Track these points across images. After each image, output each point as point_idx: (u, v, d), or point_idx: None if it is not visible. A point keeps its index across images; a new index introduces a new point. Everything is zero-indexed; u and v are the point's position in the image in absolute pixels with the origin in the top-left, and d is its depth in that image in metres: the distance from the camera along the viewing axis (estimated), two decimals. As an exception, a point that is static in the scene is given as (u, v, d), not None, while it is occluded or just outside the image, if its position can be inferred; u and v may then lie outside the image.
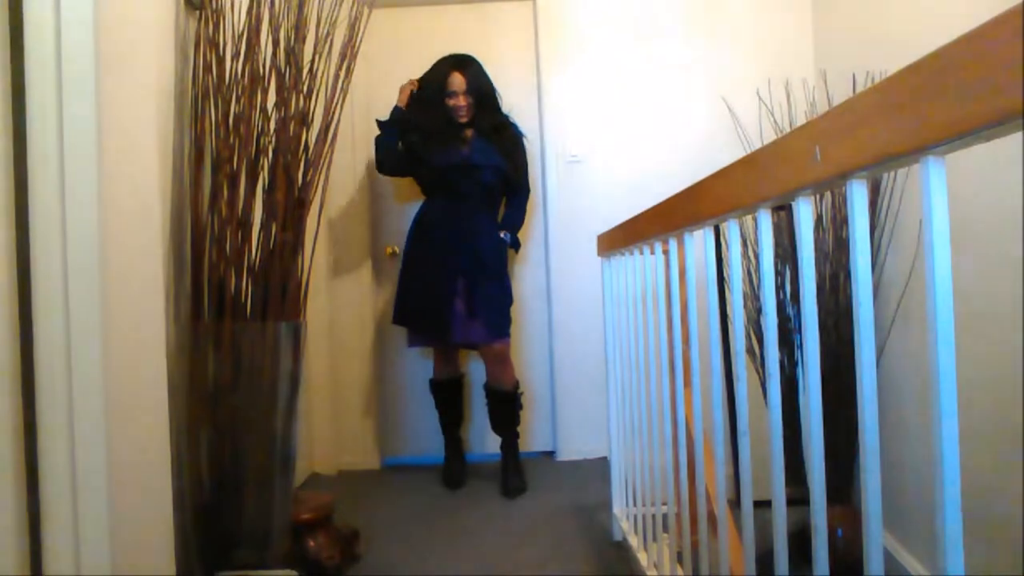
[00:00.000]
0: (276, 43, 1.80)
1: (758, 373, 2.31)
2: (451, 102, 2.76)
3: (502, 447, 2.90)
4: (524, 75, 3.23)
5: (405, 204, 3.30)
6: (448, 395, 2.98)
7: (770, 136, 2.92)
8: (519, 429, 2.93)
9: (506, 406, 2.85)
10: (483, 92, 2.79)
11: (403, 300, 2.83)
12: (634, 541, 1.98)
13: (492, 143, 2.81)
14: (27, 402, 1.23)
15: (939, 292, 0.61)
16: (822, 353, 1.58)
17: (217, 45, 1.77)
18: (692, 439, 1.55)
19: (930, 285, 0.62)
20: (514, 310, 2.98)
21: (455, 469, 2.97)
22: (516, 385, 2.87)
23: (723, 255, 2.18)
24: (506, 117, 2.91)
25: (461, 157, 2.76)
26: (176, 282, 1.70)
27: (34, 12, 1.23)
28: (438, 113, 2.78)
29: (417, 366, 3.30)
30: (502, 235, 2.86)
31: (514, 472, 2.83)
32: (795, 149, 0.82)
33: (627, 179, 3.11)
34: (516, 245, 2.93)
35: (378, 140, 2.85)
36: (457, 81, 2.75)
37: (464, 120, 2.79)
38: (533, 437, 3.25)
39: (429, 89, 2.81)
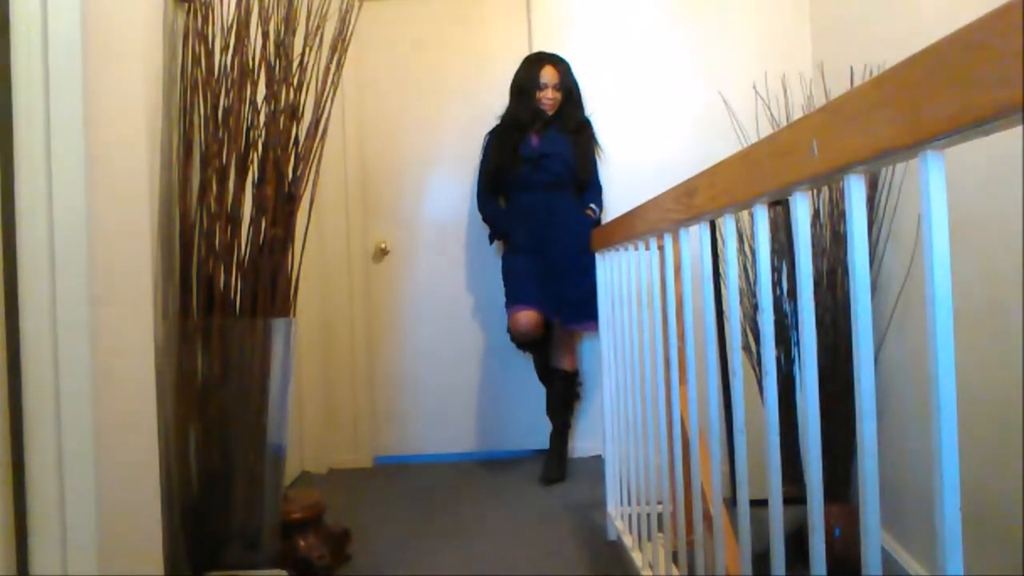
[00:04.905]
0: (266, 36, 1.78)
1: (754, 370, 2.29)
2: (541, 94, 2.91)
3: (552, 434, 2.96)
4: (515, 66, 3.18)
5: (398, 200, 3.29)
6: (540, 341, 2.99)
7: (767, 130, 2.91)
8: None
9: (566, 387, 2.98)
10: (571, 89, 2.96)
11: (509, 293, 2.93)
12: (629, 541, 1.97)
13: (568, 138, 2.94)
14: (14, 400, 1.22)
15: (938, 288, 0.60)
16: (819, 350, 1.57)
17: (206, 38, 1.74)
18: (688, 437, 1.54)
19: (929, 281, 0.61)
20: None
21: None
22: (576, 371, 3.02)
23: (719, 251, 2.16)
24: (587, 119, 3.03)
25: (532, 149, 2.91)
26: (164, 278, 1.68)
27: (21, 3, 1.21)
28: (527, 106, 2.92)
29: (408, 364, 3.29)
30: (592, 207, 2.93)
31: (558, 460, 2.89)
32: (792, 143, 0.81)
33: (622, 174, 3.10)
34: (599, 222, 2.99)
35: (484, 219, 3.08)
36: (549, 74, 2.92)
37: (551, 113, 2.94)
38: (527, 436, 3.23)
39: (522, 83, 2.95)
